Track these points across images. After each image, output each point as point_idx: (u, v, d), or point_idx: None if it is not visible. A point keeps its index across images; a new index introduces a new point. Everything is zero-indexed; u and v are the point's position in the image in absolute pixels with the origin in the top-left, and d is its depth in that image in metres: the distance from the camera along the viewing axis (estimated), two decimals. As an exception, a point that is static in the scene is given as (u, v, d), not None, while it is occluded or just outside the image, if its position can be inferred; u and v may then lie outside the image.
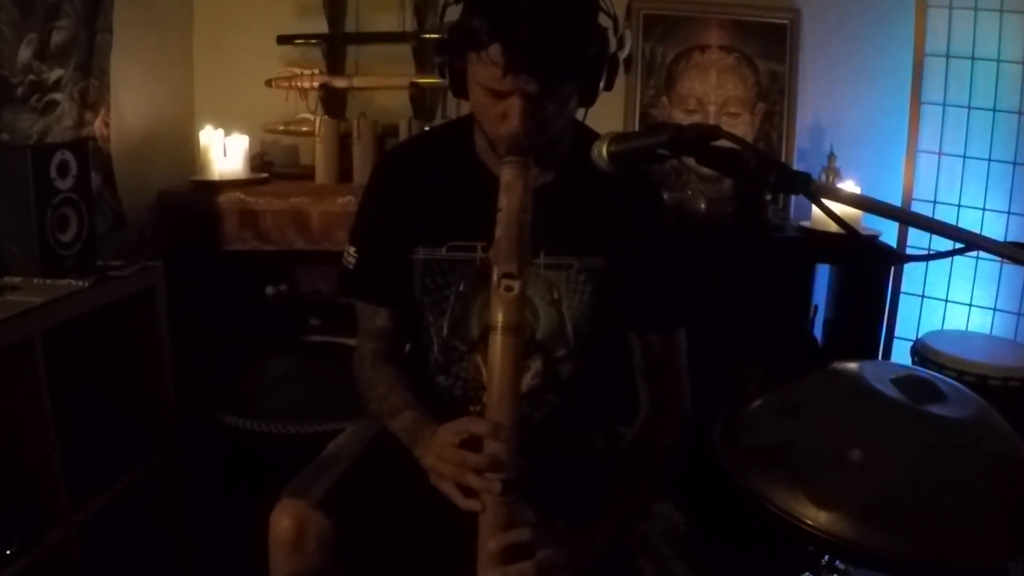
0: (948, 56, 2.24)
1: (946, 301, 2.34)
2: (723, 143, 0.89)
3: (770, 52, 2.34)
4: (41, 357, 1.42)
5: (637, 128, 2.32)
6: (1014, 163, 2.22)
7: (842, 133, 2.32)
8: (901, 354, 2.29)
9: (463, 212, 1.19)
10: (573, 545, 1.02)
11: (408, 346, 1.36)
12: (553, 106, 1.06)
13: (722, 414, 1.32)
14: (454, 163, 1.24)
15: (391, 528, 1.14)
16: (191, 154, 2.34)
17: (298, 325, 2.32)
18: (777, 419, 1.24)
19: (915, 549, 1.03)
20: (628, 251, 1.21)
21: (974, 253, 1.28)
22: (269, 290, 2.31)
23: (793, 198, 2.31)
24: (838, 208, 0.86)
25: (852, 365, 1.29)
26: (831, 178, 2.17)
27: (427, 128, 2.16)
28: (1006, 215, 2.24)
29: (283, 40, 2.33)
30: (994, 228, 2.24)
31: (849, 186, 2.13)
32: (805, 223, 2.17)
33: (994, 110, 2.22)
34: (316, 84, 2.27)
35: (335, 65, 2.37)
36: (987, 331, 2.28)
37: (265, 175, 2.27)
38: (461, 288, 1.22)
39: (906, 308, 2.36)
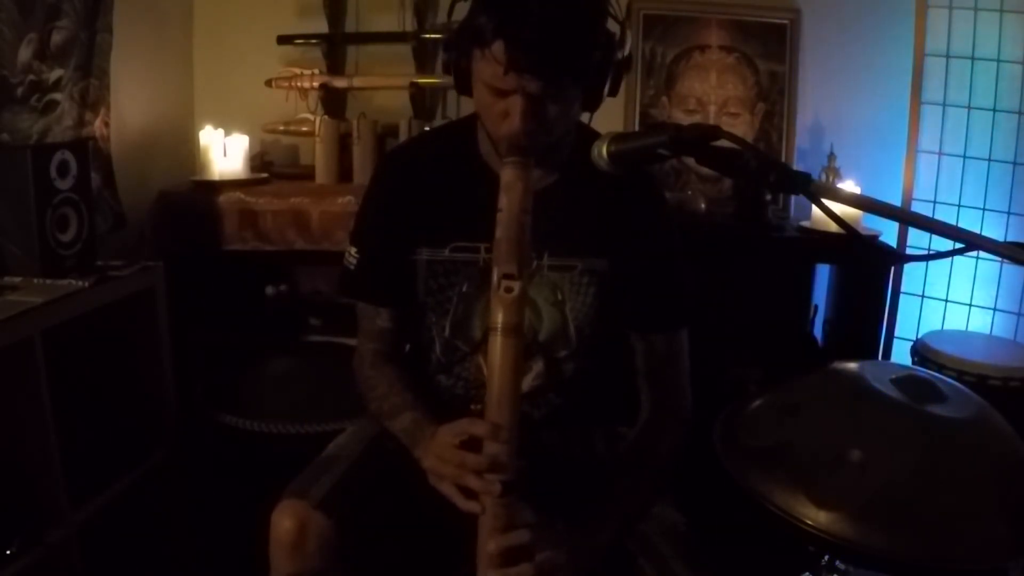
0: (948, 56, 2.24)
1: (946, 301, 2.34)
2: (723, 143, 0.89)
3: (770, 52, 2.33)
4: (41, 357, 1.42)
5: (637, 128, 2.32)
6: (1014, 163, 2.22)
7: (842, 133, 2.32)
8: (901, 354, 2.28)
9: (466, 213, 1.19)
10: (573, 546, 1.02)
11: (408, 346, 1.36)
12: (555, 107, 1.05)
13: (722, 414, 1.32)
14: (457, 163, 1.23)
15: (391, 529, 1.14)
16: (191, 154, 2.34)
17: (298, 325, 2.32)
18: (777, 419, 1.24)
19: (915, 549, 1.03)
20: (631, 252, 1.21)
21: (974, 253, 1.28)
22: (269, 290, 2.31)
23: (793, 198, 2.31)
24: (838, 208, 0.86)
25: (852, 365, 1.29)
26: (831, 178, 2.17)
27: (427, 128, 2.17)
28: (1006, 215, 2.24)
29: (283, 40, 2.33)
30: (994, 228, 2.24)
31: (849, 186, 2.13)
32: (805, 223, 2.17)
33: (994, 110, 2.22)
34: (316, 84, 2.27)
35: (335, 65, 2.37)
36: (987, 331, 2.28)
37: (265, 175, 2.27)
38: (464, 289, 1.22)
39: (906, 308, 2.36)
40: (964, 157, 2.27)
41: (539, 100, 1.03)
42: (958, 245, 0.81)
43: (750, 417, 1.30)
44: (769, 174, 0.86)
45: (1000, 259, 0.92)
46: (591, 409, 1.30)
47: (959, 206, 2.28)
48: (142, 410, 1.80)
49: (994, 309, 2.28)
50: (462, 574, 1.04)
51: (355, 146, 2.23)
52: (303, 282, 2.38)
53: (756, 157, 0.87)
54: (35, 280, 1.53)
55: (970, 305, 2.31)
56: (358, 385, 1.29)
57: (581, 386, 1.26)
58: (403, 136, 2.23)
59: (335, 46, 2.37)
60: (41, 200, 1.53)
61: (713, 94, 2.35)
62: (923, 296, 2.36)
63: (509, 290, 0.98)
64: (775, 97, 2.34)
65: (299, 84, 2.27)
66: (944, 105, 2.27)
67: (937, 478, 1.08)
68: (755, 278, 2.22)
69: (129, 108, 2.10)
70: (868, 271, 2.17)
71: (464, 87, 1.12)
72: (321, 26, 2.34)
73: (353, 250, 1.27)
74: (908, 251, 2.30)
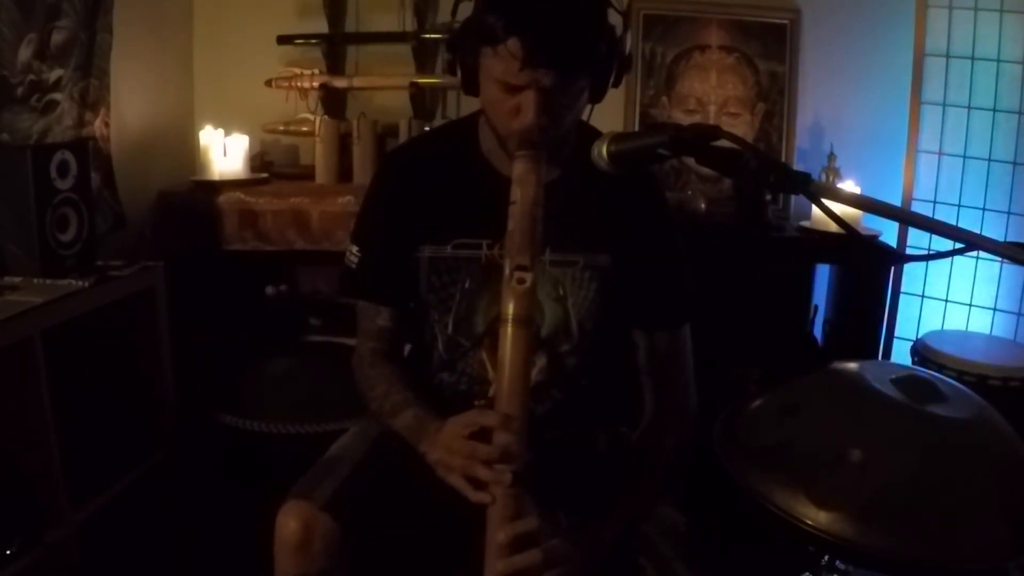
0: (948, 56, 2.23)
1: (946, 301, 2.33)
2: (723, 143, 0.89)
3: (770, 52, 2.33)
4: (41, 357, 1.41)
5: (637, 128, 2.32)
6: (1014, 163, 2.22)
7: (842, 133, 2.32)
8: (901, 354, 2.28)
9: (468, 210, 1.20)
10: (579, 538, 1.03)
11: (409, 347, 1.37)
12: (566, 100, 1.08)
13: (722, 414, 1.32)
14: (458, 162, 1.24)
15: (396, 529, 1.14)
16: (191, 154, 2.34)
17: (298, 325, 2.32)
18: (777, 419, 1.24)
19: (915, 549, 1.03)
20: (633, 248, 1.22)
21: (974, 253, 1.28)
22: (269, 290, 2.31)
23: (793, 198, 2.31)
24: (838, 208, 0.86)
25: (852, 365, 1.29)
26: (831, 178, 2.17)
27: (427, 128, 2.18)
28: (1006, 215, 2.24)
29: (283, 40, 2.33)
30: (994, 228, 2.24)
31: (849, 186, 2.13)
32: (805, 223, 2.17)
33: (994, 110, 2.21)
34: (316, 84, 2.27)
35: (335, 65, 2.37)
36: (987, 331, 2.28)
37: (265, 175, 2.27)
38: (467, 285, 1.22)
39: (906, 308, 2.36)
40: (964, 157, 2.27)
41: (551, 94, 1.05)
42: (958, 245, 0.82)
43: (750, 417, 1.30)
44: (769, 174, 0.86)
45: (1000, 259, 0.93)
46: (593, 407, 1.30)
47: (959, 206, 2.28)
48: (142, 410, 1.80)
49: (994, 309, 2.28)
50: (466, 574, 1.04)
51: (355, 146, 2.23)
52: (303, 282, 2.38)
53: (756, 157, 0.87)
54: (35, 280, 1.53)
55: (970, 305, 2.31)
56: (357, 385, 1.29)
57: (583, 382, 1.27)
58: (403, 136, 2.23)
59: (335, 46, 2.37)
60: (41, 200, 1.53)
61: (713, 94, 2.35)
62: (923, 296, 2.36)
63: (521, 281, 0.99)
64: (775, 97, 2.34)
65: (299, 84, 2.27)
66: (944, 105, 2.27)
67: (937, 478, 1.08)
68: (755, 278, 2.22)
69: (129, 108, 2.10)
70: (868, 271, 2.17)
71: (470, 87, 1.13)
72: (321, 26, 2.34)
73: (354, 248, 1.28)
74: (908, 251, 2.30)
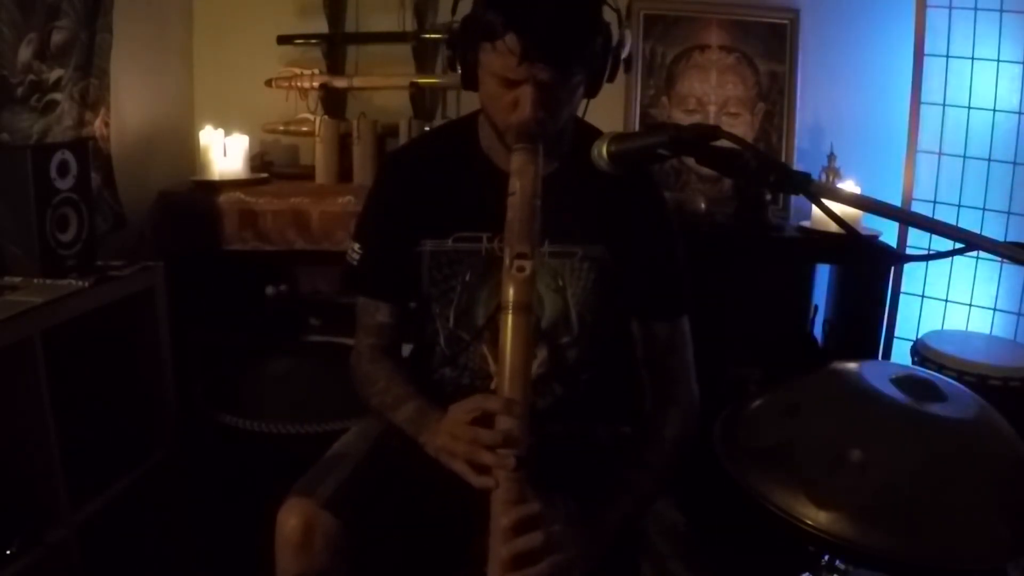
0: (948, 56, 2.23)
1: (946, 301, 2.33)
2: (723, 143, 0.89)
3: (770, 52, 2.33)
4: (41, 357, 1.41)
5: (637, 128, 2.32)
6: (1014, 163, 2.22)
7: (842, 133, 2.32)
8: (901, 354, 2.28)
9: (469, 204, 1.23)
10: (580, 525, 1.04)
11: (411, 347, 1.38)
12: (563, 95, 1.11)
13: (722, 414, 1.32)
14: (459, 158, 1.27)
15: (397, 528, 1.15)
16: (191, 154, 2.34)
17: (298, 325, 2.32)
18: (777, 419, 1.25)
19: (915, 549, 1.03)
20: (630, 239, 1.24)
21: (974, 253, 1.28)
22: (269, 290, 2.31)
23: (793, 198, 2.31)
24: (838, 208, 0.86)
25: (852, 365, 1.29)
26: (831, 178, 2.17)
27: (427, 128, 2.18)
28: (1006, 215, 2.24)
29: (283, 40, 2.33)
30: (994, 228, 2.24)
31: (849, 186, 2.13)
32: (805, 223, 2.17)
33: (994, 110, 2.21)
34: (316, 84, 2.27)
35: (335, 65, 2.37)
36: (987, 331, 2.28)
37: (265, 175, 2.27)
38: (467, 278, 1.24)
39: (906, 308, 2.36)
40: (964, 157, 2.27)
41: (548, 88, 1.08)
42: (958, 245, 0.81)
43: (750, 417, 1.30)
44: (769, 174, 0.86)
45: (1000, 259, 0.93)
46: (594, 404, 1.31)
47: (959, 206, 2.28)
48: (142, 410, 1.80)
49: (994, 309, 2.28)
50: (469, 573, 1.04)
51: (355, 146, 2.23)
52: (303, 282, 2.38)
53: (756, 157, 0.87)
54: (35, 280, 1.53)
55: (970, 305, 2.31)
56: (356, 381, 1.30)
57: (584, 377, 1.28)
58: (403, 136, 2.23)
59: (335, 46, 2.37)
60: (41, 200, 1.53)
61: (713, 94, 2.35)
62: (923, 296, 2.36)
63: (521, 269, 1.01)
64: (775, 97, 2.34)
65: (299, 84, 2.27)
66: (944, 105, 2.26)
67: (937, 478, 1.08)
68: (755, 278, 2.22)
69: (129, 108, 2.10)
70: (868, 271, 2.17)
71: (470, 81, 1.16)
72: (321, 26, 2.34)
73: (356, 246, 1.30)
74: (908, 251, 2.30)
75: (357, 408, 1.35)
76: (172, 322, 1.84)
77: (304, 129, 2.30)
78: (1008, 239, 2.18)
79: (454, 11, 1.18)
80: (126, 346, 1.79)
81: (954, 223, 0.82)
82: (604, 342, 1.29)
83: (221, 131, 2.19)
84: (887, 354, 2.32)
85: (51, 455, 1.44)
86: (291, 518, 1.09)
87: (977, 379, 1.92)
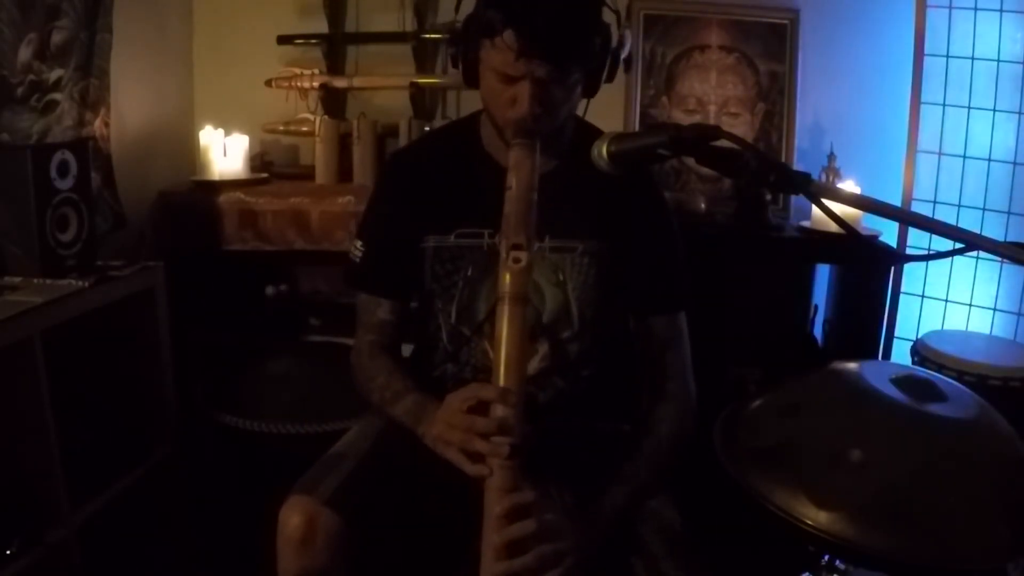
0: (948, 56, 2.23)
1: (946, 301, 2.33)
2: (723, 143, 0.89)
3: (770, 52, 2.33)
4: (41, 357, 1.41)
5: (637, 128, 2.32)
6: (1014, 163, 2.22)
7: (842, 133, 2.32)
8: (901, 354, 2.28)
9: (471, 201, 1.24)
10: (575, 516, 1.05)
11: (412, 347, 1.39)
12: (560, 92, 1.13)
13: (722, 414, 1.32)
14: (460, 156, 1.29)
15: (399, 526, 1.15)
16: (191, 154, 2.34)
17: (298, 325, 2.32)
18: (777, 419, 1.25)
19: (915, 549, 1.03)
20: (629, 235, 1.26)
21: (974, 253, 1.29)
22: (269, 290, 2.31)
23: (793, 198, 2.31)
24: (838, 208, 0.86)
25: (852, 365, 1.30)
26: (831, 178, 2.17)
27: (427, 128, 2.19)
28: (1006, 215, 2.24)
29: (283, 40, 2.33)
30: (994, 228, 2.24)
31: (849, 186, 2.13)
32: (805, 223, 2.17)
33: (994, 110, 2.21)
34: (316, 84, 2.27)
35: (335, 65, 2.37)
36: (987, 331, 2.28)
37: (265, 175, 2.27)
38: (469, 273, 1.26)
39: (906, 308, 2.35)
40: (964, 157, 2.27)
41: (546, 85, 1.11)
42: (958, 245, 0.82)
43: (750, 417, 1.30)
44: (769, 174, 0.86)
45: (1000, 259, 0.93)
46: (595, 401, 1.31)
47: (959, 206, 2.28)
48: (142, 410, 1.80)
49: (994, 309, 2.28)
50: (468, 571, 1.04)
51: (355, 146, 2.23)
52: (303, 282, 2.38)
53: (756, 157, 0.87)
54: (35, 280, 1.53)
55: (970, 305, 2.31)
56: (356, 378, 1.30)
57: (585, 373, 1.28)
58: (403, 136, 2.23)
59: (335, 46, 2.37)
60: (41, 200, 1.53)
61: (713, 94, 2.35)
62: (923, 296, 2.36)
63: (517, 260, 1.03)
64: (775, 97, 2.34)
65: (299, 84, 2.27)
66: (944, 105, 2.26)
67: (937, 478, 1.08)
68: (755, 278, 2.22)
69: (129, 108, 2.10)
70: (868, 271, 2.17)
71: (471, 78, 1.18)
72: (321, 26, 2.34)
73: (359, 243, 1.32)
74: (908, 251, 2.30)
75: (357, 408, 1.35)
76: (172, 322, 1.84)
77: (304, 129, 2.30)
78: (1008, 239, 2.18)
79: (457, 10, 1.22)
80: (126, 346, 1.79)
81: (954, 223, 0.82)
82: (605, 339, 1.29)
83: (221, 131, 2.19)
84: (887, 354, 2.32)
85: (51, 455, 1.44)
86: (293, 516, 1.09)
87: (977, 379, 1.92)
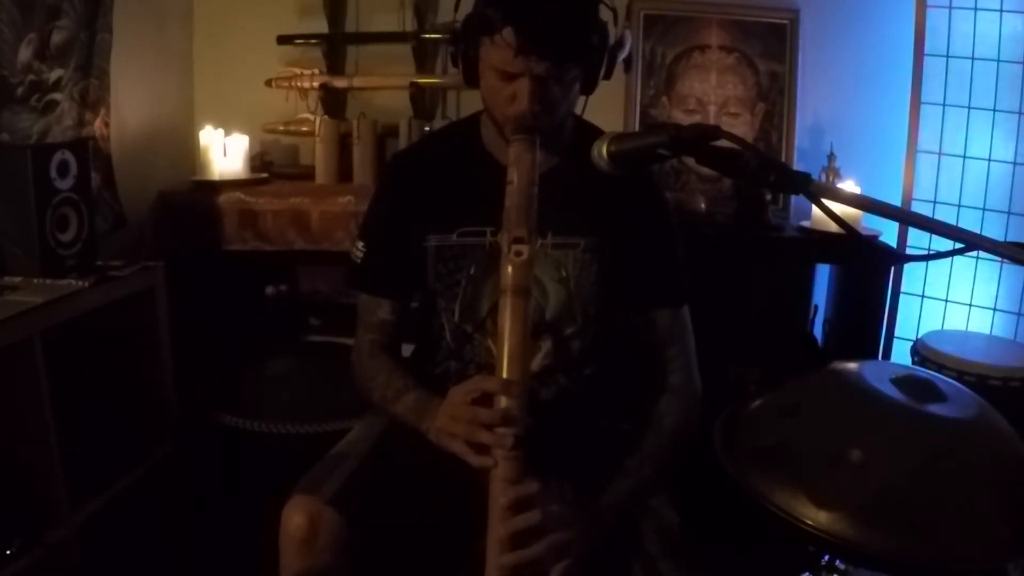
0: (948, 56, 2.23)
1: (946, 301, 2.33)
2: (723, 143, 0.89)
3: (770, 52, 2.33)
4: (41, 357, 1.41)
5: (637, 128, 2.32)
6: (1014, 163, 2.22)
7: (842, 133, 2.32)
8: (901, 354, 2.28)
9: (472, 199, 1.25)
10: (578, 508, 1.05)
11: (413, 347, 1.39)
12: (559, 89, 1.15)
13: (722, 414, 1.32)
14: (462, 155, 1.30)
15: (401, 525, 1.15)
16: (191, 154, 2.34)
17: (298, 325, 2.32)
18: (777, 419, 1.25)
19: (915, 549, 1.03)
20: (630, 231, 1.27)
21: (974, 253, 1.29)
22: (269, 290, 2.31)
23: (793, 198, 2.31)
24: (838, 208, 0.86)
25: (852, 365, 1.30)
26: (831, 178, 2.17)
27: (427, 128, 2.19)
28: (1006, 215, 2.24)
29: (283, 40, 2.33)
30: (994, 228, 2.24)
31: (849, 186, 2.13)
32: (805, 223, 2.17)
33: (994, 110, 2.21)
34: (316, 84, 2.27)
35: (335, 65, 2.37)
36: (987, 331, 2.28)
37: (265, 175, 2.27)
38: (472, 272, 1.26)
39: (906, 308, 2.35)
40: (964, 157, 2.27)
41: (544, 81, 1.12)
42: (958, 245, 0.82)
43: (750, 417, 1.30)
44: (769, 174, 0.86)
45: (1000, 259, 0.93)
46: (596, 398, 1.31)
47: (959, 206, 2.28)
48: (142, 410, 1.80)
49: (994, 309, 2.28)
50: (470, 570, 1.04)
51: (355, 146, 2.23)
52: (303, 282, 2.38)
53: (756, 157, 0.87)
54: (35, 280, 1.53)
55: (970, 305, 2.31)
56: (356, 377, 1.31)
57: (588, 371, 1.28)
58: (403, 136, 2.23)
59: (335, 46, 2.37)
60: (41, 200, 1.53)
61: (713, 94, 2.35)
62: (923, 296, 2.36)
63: (519, 253, 1.04)
64: (775, 97, 2.34)
65: (299, 84, 2.27)
66: (944, 105, 2.26)
67: (937, 478, 1.08)
68: (755, 278, 2.22)
69: (129, 108, 2.10)
70: (868, 271, 2.17)
71: (471, 76, 1.20)
72: (321, 26, 2.34)
73: (360, 244, 1.33)
74: (908, 251, 2.30)
75: (357, 408, 1.35)
76: (172, 322, 1.84)
77: (304, 129, 2.30)
78: (1008, 239, 2.18)
79: (456, 9, 1.23)
80: (126, 346, 1.79)
81: (954, 223, 0.82)
82: (607, 336, 1.30)
83: (221, 131, 2.19)
84: (887, 354, 2.32)
85: (51, 455, 1.44)
86: (295, 515, 1.09)
87: (977, 379, 1.92)
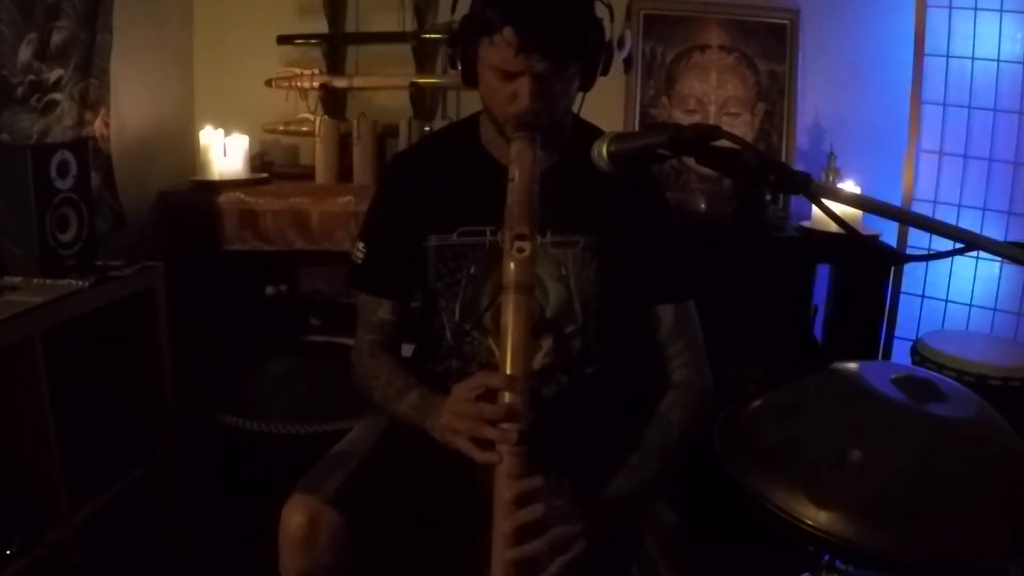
0: (948, 56, 2.23)
1: (946, 301, 2.33)
2: (723, 143, 0.89)
3: (770, 52, 2.33)
4: (41, 357, 1.42)
5: (637, 128, 2.32)
6: (1014, 163, 2.22)
7: (842, 133, 2.32)
8: (901, 354, 2.28)
9: (472, 199, 1.25)
10: (582, 503, 1.05)
11: (414, 347, 1.39)
12: (559, 86, 1.15)
13: (722, 414, 1.32)
14: (461, 155, 1.30)
15: (401, 524, 1.15)
16: (191, 154, 2.34)
17: (298, 325, 2.32)
18: (777, 419, 1.24)
19: (915, 549, 1.02)
20: (630, 228, 1.27)
21: (974, 253, 1.29)
22: (269, 290, 2.31)
23: (793, 198, 2.31)
24: (838, 208, 0.86)
25: (852, 365, 1.29)
26: (831, 178, 2.17)
27: (427, 128, 2.19)
28: (1006, 215, 2.24)
29: (283, 40, 2.33)
30: (994, 228, 2.24)
31: (849, 186, 2.13)
32: (805, 223, 2.17)
33: (994, 110, 2.21)
34: (316, 84, 2.27)
35: (335, 65, 2.37)
36: (987, 331, 2.28)
37: (265, 175, 2.27)
38: (472, 271, 1.26)
39: (906, 308, 2.35)
40: (964, 157, 2.27)
41: (545, 79, 1.13)
42: (958, 245, 0.81)
43: (750, 417, 1.30)
44: (769, 174, 0.86)
45: (1000, 259, 0.93)
46: (598, 398, 1.31)
47: (959, 206, 2.28)
48: (142, 410, 1.80)
49: (994, 309, 2.28)
50: (471, 570, 1.04)
51: (355, 146, 2.23)
52: (303, 282, 2.38)
53: (756, 157, 0.87)
54: (35, 280, 1.53)
55: (970, 305, 2.31)
56: (357, 377, 1.31)
57: (588, 371, 1.28)
58: (403, 136, 2.23)
59: (335, 46, 2.37)
60: (41, 200, 1.53)
61: (713, 94, 2.35)
62: (923, 296, 2.36)
63: (521, 250, 1.04)
64: (775, 97, 2.34)
65: (299, 84, 2.27)
66: (944, 105, 2.26)
67: (937, 478, 1.08)
68: (755, 278, 2.21)
69: (129, 108, 2.10)
70: (868, 271, 2.17)
71: (470, 77, 1.20)
72: (321, 26, 2.34)
73: (360, 245, 1.33)
74: (908, 251, 2.30)
75: (357, 408, 1.35)
76: (172, 322, 1.84)
77: (304, 129, 2.30)
78: (1008, 239, 2.18)
79: (453, 10, 1.23)
80: (126, 346, 1.79)
81: (954, 223, 0.82)
82: (608, 335, 1.30)
83: (221, 131, 2.19)
84: (887, 354, 2.32)
85: (51, 455, 1.44)
86: (295, 514, 1.09)
87: (977, 379, 1.92)
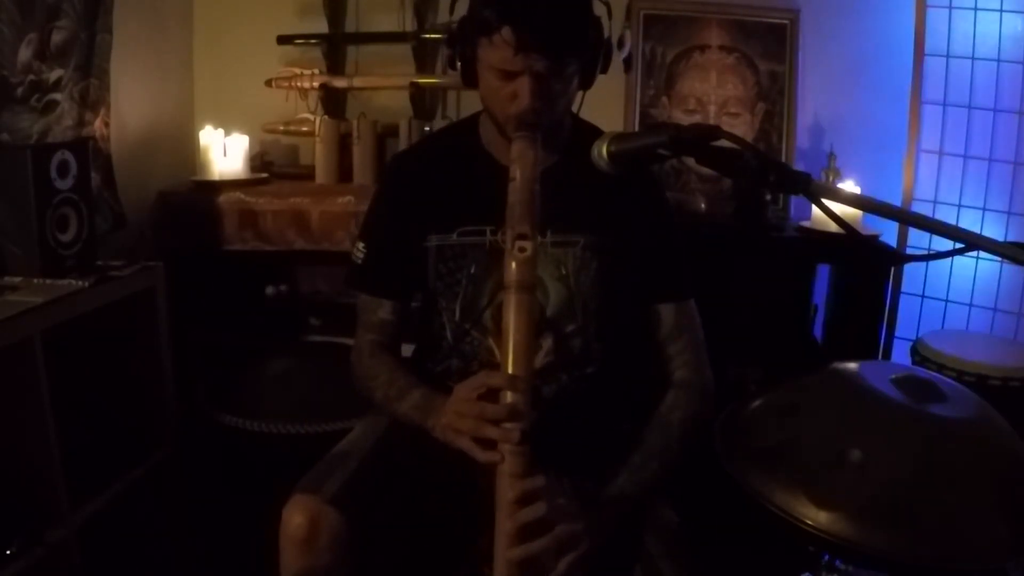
0: (948, 56, 2.24)
1: (946, 301, 2.33)
2: (723, 143, 0.89)
3: (770, 52, 2.33)
4: (41, 357, 1.41)
5: (637, 128, 2.32)
6: (1014, 163, 2.22)
7: (842, 133, 2.32)
8: (901, 354, 2.28)
9: (472, 199, 1.25)
10: (584, 502, 1.05)
11: (414, 347, 1.39)
12: (558, 84, 1.16)
13: (722, 414, 1.32)
14: (461, 155, 1.31)
15: (402, 524, 1.15)
16: (191, 154, 2.35)
17: (298, 325, 2.32)
18: (777, 419, 1.24)
19: (915, 549, 1.02)
20: (630, 227, 1.27)
21: (974, 253, 1.28)
22: (269, 290, 2.31)
23: (793, 198, 2.31)
24: (838, 208, 0.86)
25: (852, 365, 1.29)
26: (831, 178, 2.17)
27: (427, 128, 2.19)
28: (1006, 215, 2.24)
29: (283, 40, 2.33)
30: (994, 228, 2.24)
31: (849, 186, 2.13)
32: (805, 223, 2.17)
33: (994, 110, 2.21)
34: (316, 84, 2.27)
35: (335, 65, 2.37)
36: (987, 331, 2.28)
37: (265, 175, 2.27)
38: (472, 271, 1.26)
39: (906, 308, 2.36)
40: (964, 157, 2.27)
41: (544, 78, 1.13)
42: (958, 245, 0.81)
43: (750, 417, 1.30)
44: (769, 174, 0.86)
45: (1000, 259, 0.93)
46: (598, 398, 1.31)
47: (959, 206, 2.28)
48: (142, 410, 1.80)
49: (994, 309, 2.28)
50: (471, 570, 1.04)
51: (355, 146, 2.23)
52: (303, 282, 2.38)
53: (756, 157, 0.87)
54: (35, 280, 1.53)
55: (970, 305, 2.31)
56: (357, 377, 1.31)
57: (589, 370, 1.28)
58: (403, 136, 2.23)
59: (335, 46, 2.37)
60: (41, 200, 1.53)
61: (713, 94, 2.35)
62: (923, 296, 2.36)
63: (522, 249, 1.04)
64: (775, 97, 2.34)
65: (299, 84, 2.27)
66: (944, 105, 2.27)
67: (937, 478, 1.08)
68: (755, 278, 2.21)
69: (129, 108, 2.10)
70: (868, 271, 2.17)
71: (470, 78, 1.20)
72: (321, 26, 2.34)
73: (361, 245, 1.33)
74: (908, 251, 2.30)
75: (357, 408, 1.35)
76: (172, 322, 1.84)
77: (304, 129, 2.30)
78: (1008, 239, 2.18)
79: (452, 10, 1.23)
80: (126, 346, 1.79)
81: (954, 223, 0.82)
82: (608, 334, 1.30)
83: (221, 131, 2.19)
84: (887, 354, 2.32)
85: (51, 455, 1.44)
86: (296, 515, 1.09)
87: (977, 379, 1.92)
